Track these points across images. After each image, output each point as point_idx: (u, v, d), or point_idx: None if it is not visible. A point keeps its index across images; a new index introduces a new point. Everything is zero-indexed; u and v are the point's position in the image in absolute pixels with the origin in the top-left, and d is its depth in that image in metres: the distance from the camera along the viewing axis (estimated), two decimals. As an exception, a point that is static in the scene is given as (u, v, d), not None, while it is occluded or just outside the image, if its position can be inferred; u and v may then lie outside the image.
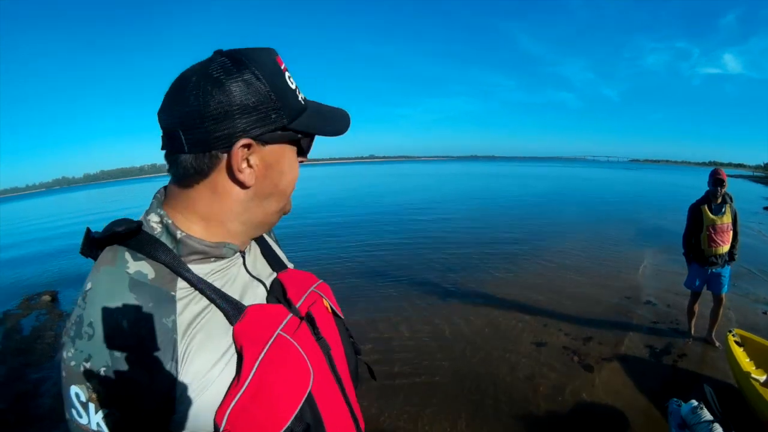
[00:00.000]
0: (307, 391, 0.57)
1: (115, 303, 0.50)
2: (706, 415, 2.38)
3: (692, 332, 4.12)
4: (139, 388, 0.49)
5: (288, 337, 0.59)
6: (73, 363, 0.49)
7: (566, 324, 4.55)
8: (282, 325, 0.60)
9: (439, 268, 6.81)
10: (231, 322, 0.56)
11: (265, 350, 0.55)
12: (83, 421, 0.49)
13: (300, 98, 0.61)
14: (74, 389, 0.49)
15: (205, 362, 0.53)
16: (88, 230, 0.56)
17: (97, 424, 0.48)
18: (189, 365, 0.52)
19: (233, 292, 0.60)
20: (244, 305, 0.59)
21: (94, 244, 0.55)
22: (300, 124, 0.60)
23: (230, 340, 0.55)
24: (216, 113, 0.53)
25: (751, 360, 3.17)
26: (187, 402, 0.51)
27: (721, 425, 2.29)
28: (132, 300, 0.51)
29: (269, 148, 0.58)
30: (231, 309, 0.57)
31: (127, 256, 0.54)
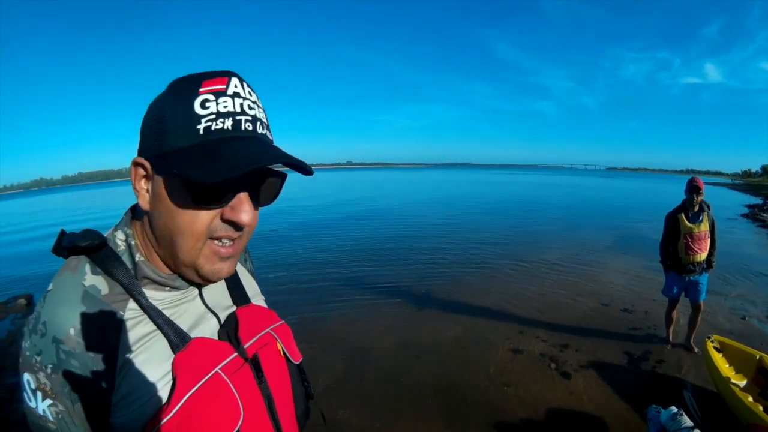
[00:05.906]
0: (234, 431, 0.57)
1: (66, 310, 0.53)
2: (686, 421, 2.33)
3: (670, 339, 4.06)
4: (78, 389, 0.53)
5: (224, 376, 0.59)
6: (27, 353, 0.53)
7: (543, 331, 4.45)
8: (222, 364, 0.60)
9: (414, 276, 6.65)
10: (173, 351, 0.58)
11: (198, 385, 0.56)
12: (32, 405, 0.53)
13: (200, 128, 0.52)
14: (26, 376, 0.53)
15: (140, 381, 0.54)
16: (63, 232, 0.59)
17: (43, 410, 0.53)
18: (125, 380, 0.54)
19: (183, 322, 0.61)
20: (189, 336, 0.60)
21: (64, 248, 0.58)
22: (176, 158, 0.52)
23: (169, 367, 0.57)
24: (141, 128, 0.57)
25: (730, 365, 3.11)
26: (122, 411, 0.54)
27: (701, 431, 2.20)
28: (81, 311, 0.54)
29: (160, 177, 0.55)
30: (175, 338, 0.58)
31: (88, 268, 0.57)
